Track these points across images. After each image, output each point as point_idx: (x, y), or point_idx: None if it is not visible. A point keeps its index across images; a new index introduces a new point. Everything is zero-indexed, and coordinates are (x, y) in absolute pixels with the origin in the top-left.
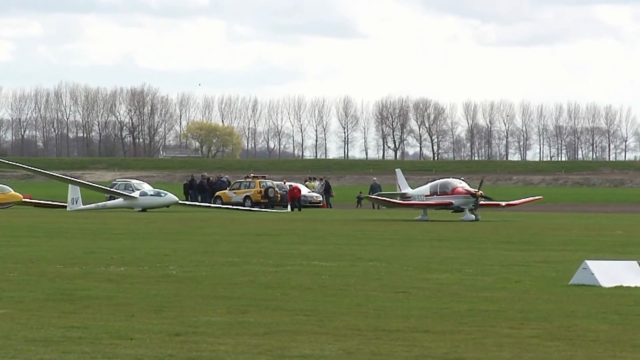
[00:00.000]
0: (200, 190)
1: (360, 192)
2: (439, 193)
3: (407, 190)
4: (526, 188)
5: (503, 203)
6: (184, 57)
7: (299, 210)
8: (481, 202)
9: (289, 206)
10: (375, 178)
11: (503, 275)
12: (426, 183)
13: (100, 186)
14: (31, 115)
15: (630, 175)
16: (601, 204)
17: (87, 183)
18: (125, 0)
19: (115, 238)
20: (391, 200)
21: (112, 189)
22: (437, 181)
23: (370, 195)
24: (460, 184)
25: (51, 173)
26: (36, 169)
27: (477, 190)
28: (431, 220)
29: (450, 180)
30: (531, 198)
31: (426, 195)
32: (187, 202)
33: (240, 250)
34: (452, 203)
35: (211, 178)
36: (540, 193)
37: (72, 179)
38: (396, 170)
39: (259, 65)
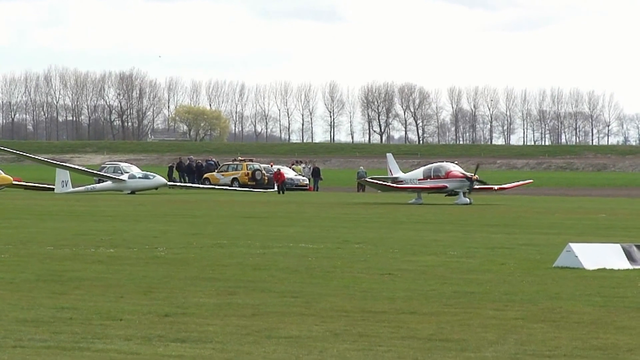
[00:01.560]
0: (188, 172)
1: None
2: (432, 177)
3: (399, 174)
4: (510, 172)
5: (495, 187)
6: (172, 42)
7: (283, 193)
8: (475, 186)
9: (275, 186)
10: (362, 167)
11: (488, 257)
12: (412, 166)
13: (85, 169)
14: (21, 98)
15: (613, 160)
16: (584, 187)
17: (72, 166)
18: None
19: (105, 220)
20: (387, 183)
21: (98, 172)
22: (431, 165)
23: (366, 179)
24: (455, 168)
25: (35, 157)
26: (22, 153)
27: (472, 174)
28: (425, 203)
29: (444, 164)
30: (522, 182)
31: (419, 179)
32: (177, 184)
33: (228, 233)
34: (446, 187)
35: (199, 161)
36: (524, 177)
37: (57, 162)
38: (387, 154)
39: (246, 50)
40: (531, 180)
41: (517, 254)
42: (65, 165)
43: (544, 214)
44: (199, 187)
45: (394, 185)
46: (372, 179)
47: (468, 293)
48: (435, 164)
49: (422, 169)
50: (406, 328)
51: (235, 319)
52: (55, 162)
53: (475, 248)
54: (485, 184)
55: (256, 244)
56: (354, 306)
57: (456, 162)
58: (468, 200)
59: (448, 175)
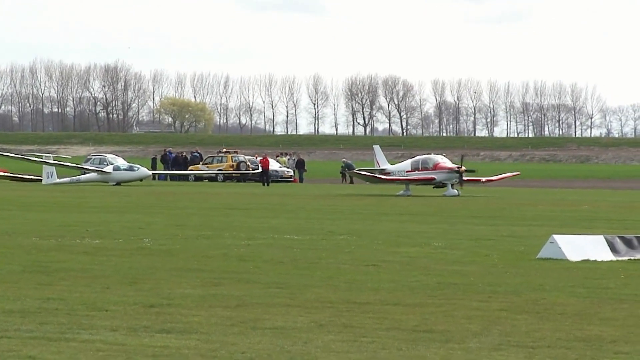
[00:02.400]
0: (174, 164)
1: (346, 163)
2: (420, 169)
3: (387, 166)
4: (493, 164)
5: (483, 179)
6: (157, 34)
7: (267, 185)
8: (465, 178)
9: (259, 167)
10: (344, 159)
11: (472, 249)
12: (396, 158)
13: (67, 164)
14: (7, 90)
15: (596, 152)
16: (567, 179)
17: (53, 162)
18: None
19: (90, 211)
20: (375, 175)
21: (79, 166)
22: (419, 157)
23: (354, 171)
24: (442, 160)
25: (14, 155)
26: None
27: (459, 166)
28: (413, 195)
29: (432, 156)
30: (510, 174)
31: (407, 171)
32: (162, 172)
33: (212, 224)
34: (434, 178)
35: (183, 153)
36: (507, 169)
37: (38, 160)
38: (374, 146)
39: (230, 42)
40: (518, 173)
41: (501, 246)
42: (46, 162)
43: (528, 205)
44: (184, 173)
45: (383, 177)
46: (360, 170)
47: (452, 284)
48: (423, 156)
49: (409, 160)
50: (390, 319)
51: (220, 309)
52: (35, 159)
53: (459, 239)
54: (474, 171)
55: (241, 235)
56: (338, 297)
57: (444, 154)
58: (456, 192)
59: (436, 167)
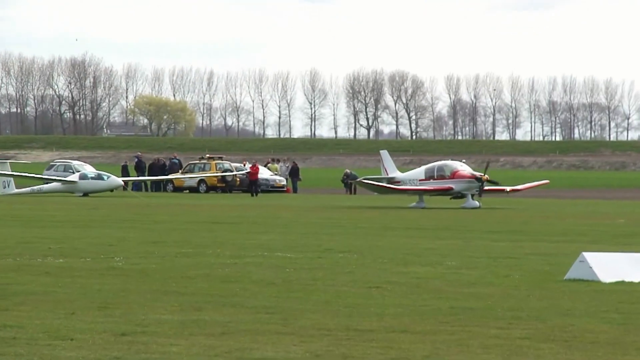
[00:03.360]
0: (151, 173)
1: (348, 174)
2: (436, 177)
3: (396, 174)
4: (515, 171)
5: (508, 188)
6: (131, 24)
7: (256, 195)
8: (485, 188)
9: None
10: (348, 170)
11: (490, 268)
12: (404, 165)
13: (21, 174)
14: None
15: (633, 157)
16: (600, 189)
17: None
18: None
19: (54, 226)
20: (384, 185)
21: (38, 175)
22: (434, 164)
23: (360, 180)
24: (462, 167)
25: None
26: None
27: (482, 174)
28: (427, 207)
29: (450, 162)
30: (537, 182)
31: (420, 180)
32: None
33: (194, 240)
34: (452, 188)
35: (161, 159)
36: (531, 177)
37: None
38: (381, 151)
39: (215, 33)
40: (547, 181)
41: (523, 265)
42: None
43: (555, 218)
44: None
45: (393, 186)
46: (366, 179)
47: (467, 309)
48: (439, 163)
49: (423, 168)
50: (397, 349)
51: (202, 338)
52: None
53: (476, 258)
54: (497, 184)
55: (226, 253)
56: (337, 324)
57: (463, 160)
58: (477, 203)
59: (454, 175)
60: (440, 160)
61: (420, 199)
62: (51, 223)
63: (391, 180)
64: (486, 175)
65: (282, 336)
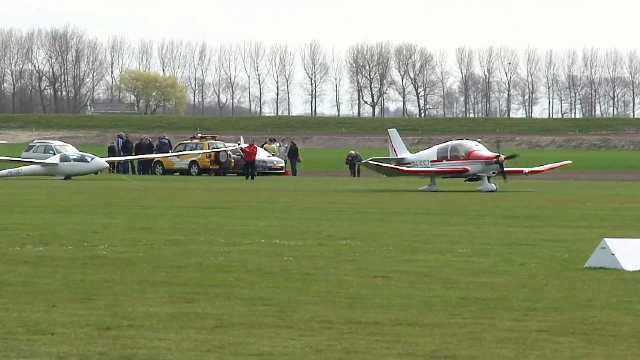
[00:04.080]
0: (137, 154)
1: (353, 155)
2: (449, 158)
3: (406, 154)
4: (532, 151)
5: (526, 169)
6: None
7: (252, 178)
8: (506, 169)
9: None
10: (352, 151)
11: (504, 256)
12: (411, 145)
13: None
14: None
15: None
16: (624, 170)
17: None
18: None
19: (33, 211)
20: (394, 166)
21: (14, 159)
22: (447, 143)
23: (367, 161)
24: (477, 147)
25: None
26: None
27: (498, 154)
28: (439, 191)
29: (464, 142)
30: (558, 163)
31: (432, 161)
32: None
33: (184, 227)
34: (467, 170)
35: (147, 138)
36: (549, 157)
37: None
38: (390, 130)
39: (207, 3)
40: (569, 162)
41: (540, 252)
42: None
43: (574, 202)
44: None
45: (403, 168)
46: (373, 160)
47: (479, 300)
48: (452, 142)
49: (435, 148)
50: (403, 343)
51: (193, 332)
52: None
53: (489, 245)
54: (514, 157)
55: (219, 240)
56: (339, 316)
57: (478, 139)
58: (494, 186)
59: (469, 155)
60: (451, 139)
61: (432, 182)
62: (30, 208)
63: (400, 162)
64: (502, 156)
65: (279, 330)
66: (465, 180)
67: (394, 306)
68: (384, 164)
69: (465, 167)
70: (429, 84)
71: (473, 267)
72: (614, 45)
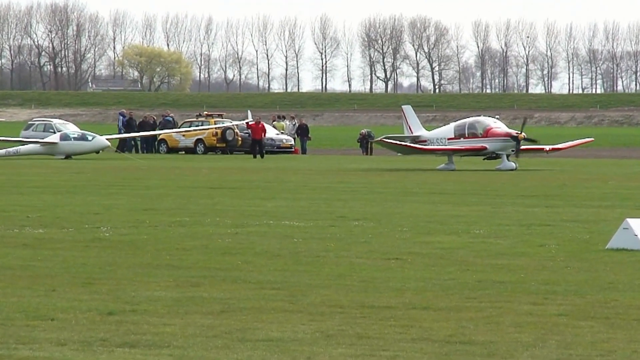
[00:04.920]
0: (141, 130)
1: (365, 134)
2: (467, 135)
3: (422, 132)
4: (552, 128)
5: (547, 147)
6: None
7: (262, 157)
8: (522, 147)
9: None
10: (365, 129)
11: (522, 237)
12: (425, 122)
13: None
14: None
15: None
16: None
17: None
18: None
19: (32, 192)
20: (410, 144)
21: (11, 138)
22: (464, 120)
23: (382, 139)
24: (496, 124)
25: None
26: None
27: (518, 132)
28: (456, 170)
29: (482, 119)
30: (580, 141)
31: (449, 139)
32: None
33: (190, 207)
34: (485, 148)
35: (153, 117)
36: (570, 134)
37: None
38: (404, 107)
39: None
40: (591, 139)
41: (560, 233)
42: None
43: (595, 181)
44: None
45: (419, 146)
46: (388, 138)
47: (497, 283)
48: (470, 119)
49: (452, 125)
50: (418, 327)
51: (199, 317)
52: None
53: (507, 225)
54: (535, 142)
55: (226, 221)
56: (351, 300)
57: (497, 116)
58: (514, 165)
59: (487, 133)
60: (467, 116)
61: (449, 160)
62: (29, 189)
63: (416, 139)
64: (523, 134)
65: (289, 314)
66: (484, 159)
67: (408, 289)
68: (399, 142)
69: (484, 144)
70: (443, 58)
71: (490, 248)
72: (637, 17)
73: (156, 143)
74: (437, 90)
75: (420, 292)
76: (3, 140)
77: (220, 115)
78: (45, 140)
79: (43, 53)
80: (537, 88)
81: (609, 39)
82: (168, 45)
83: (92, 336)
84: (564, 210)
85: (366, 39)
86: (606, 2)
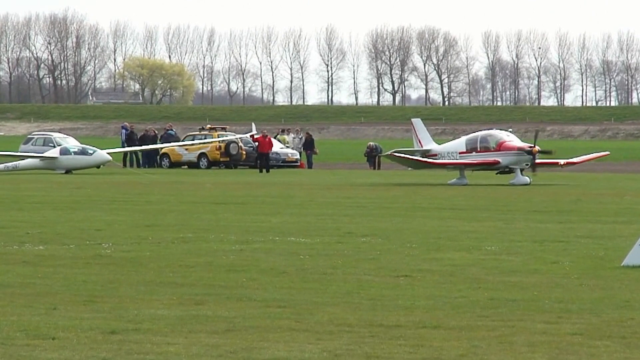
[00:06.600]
0: (142, 145)
1: (372, 147)
2: (479, 149)
3: (432, 145)
4: (565, 141)
5: (562, 161)
6: None
7: (267, 171)
8: (538, 161)
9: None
10: (371, 142)
11: (535, 254)
12: (434, 135)
13: None
14: None
15: None
16: None
17: None
18: None
19: (32, 208)
20: (421, 159)
21: (10, 153)
22: (476, 134)
23: (392, 153)
24: (509, 137)
25: None
26: None
27: (532, 145)
28: (469, 185)
29: (494, 132)
30: (596, 154)
31: (461, 152)
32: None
33: (193, 223)
34: (498, 162)
35: (154, 130)
36: (583, 147)
37: None
38: (414, 120)
39: None
40: (607, 153)
41: (574, 250)
42: None
43: (610, 196)
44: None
45: (430, 160)
46: (398, 152)
47: (509, 301)
48: (482, 132)
49: (464, 138)
50: (428, 347)
51: (203, 336)
52: None
53: (520, 242)
54: (550, 153)
55: (231, 238)
56: (359, 319)
57: (510, 129)
58: (528, 179)
59: (500, 146)
60: (478, 129)
61: (461, 175)
62: (29, 205)
63: (426, 153)
64: (537, 147)
65: (295, 333)
66: (497, 173)
67: (417, 308)
68: (409, 156)
69: (497, 158)
70: (453, 70)
71: (502, 265)
72: None
73: (158, 157)
74: (446, 103)
75: (430, 311)
76: (2, 155)
77: (223, 129)
78: (45, 154)
79: (42, 65)
80: (549, 100)
81: (623, 50)
82: (170, 57)
83: (94, 356)
84: (578, 226)
85: (373, 51)
86: (620, 12)
